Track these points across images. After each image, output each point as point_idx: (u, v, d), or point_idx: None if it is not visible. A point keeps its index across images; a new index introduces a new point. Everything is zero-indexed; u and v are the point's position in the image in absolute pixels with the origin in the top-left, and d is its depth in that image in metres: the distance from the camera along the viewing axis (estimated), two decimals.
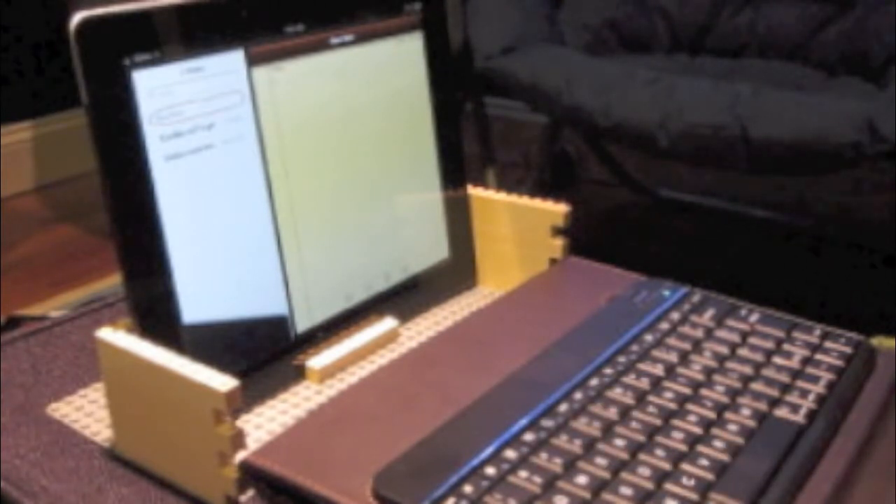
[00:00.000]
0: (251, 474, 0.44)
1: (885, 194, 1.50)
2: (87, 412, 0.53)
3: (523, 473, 0.41)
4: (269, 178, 0.53)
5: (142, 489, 0.46)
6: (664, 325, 0.54)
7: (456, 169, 0.65)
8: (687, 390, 0.47)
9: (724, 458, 0.42)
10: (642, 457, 0.42)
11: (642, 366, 0.50)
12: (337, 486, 0.41)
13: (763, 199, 1.67)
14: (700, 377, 0.48)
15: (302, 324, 0.56)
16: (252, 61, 0.52)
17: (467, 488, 0.40)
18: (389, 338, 0.59)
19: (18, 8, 1.92)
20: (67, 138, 1.98)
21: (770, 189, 1.68)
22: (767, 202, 1.67)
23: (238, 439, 0.43)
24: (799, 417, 0.45)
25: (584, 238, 0.67)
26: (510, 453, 0.42)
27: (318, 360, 0.55)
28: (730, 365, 0.49)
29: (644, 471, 0.41)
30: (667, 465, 0.42)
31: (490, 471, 0.41)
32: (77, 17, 0.44)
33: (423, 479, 0.41)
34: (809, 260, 1.51)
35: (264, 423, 0.51)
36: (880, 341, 0.54)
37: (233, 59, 0.51)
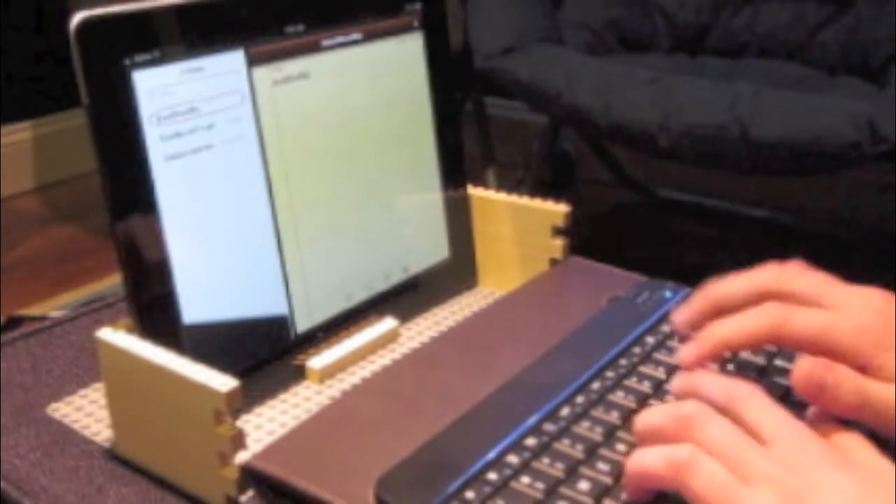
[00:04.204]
0: (252, 477, 0.44)
1: (885, 194, 1.50)
2: (87, 412, 0.53)
3: (525, 479, 0.41)
4: (269, 178, 0.53)
5: (142, 489, 0.46)
6: (665, 327, 0.54)
7: (456, 169, 0.65)
8: None
9: None
10: None
11: (644, 369, 0.49)
12: (339, 490, 0.41)
13: (763, 199, 1.67)
14: None
15: (302, 324, 0.56)
16: (252, 61, 0.52)
17: (469, 494, 0.40)
18: (389, 338, 0.59)
19: (18, 8, 1.92)
20: (67, 138, 1.98)
21: (770, 189, 1.68)
22: (767, 202, 1.67)
23: (238, 439, 0.43)
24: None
25: (584, 238, 0.67)
26: (512, 458, 0.42)
27: (318, 360, 0.55)
28: (731, 367, 0.49)
29: None
30: None
31: (492, 476, 0.41)
32: (77, 17, 0.44)
33: (424, 484, 0.40)
34: (809, 260, 1.50)
35: (264, 423, 0.51)
36: None
37: (233, 59, 0.51)
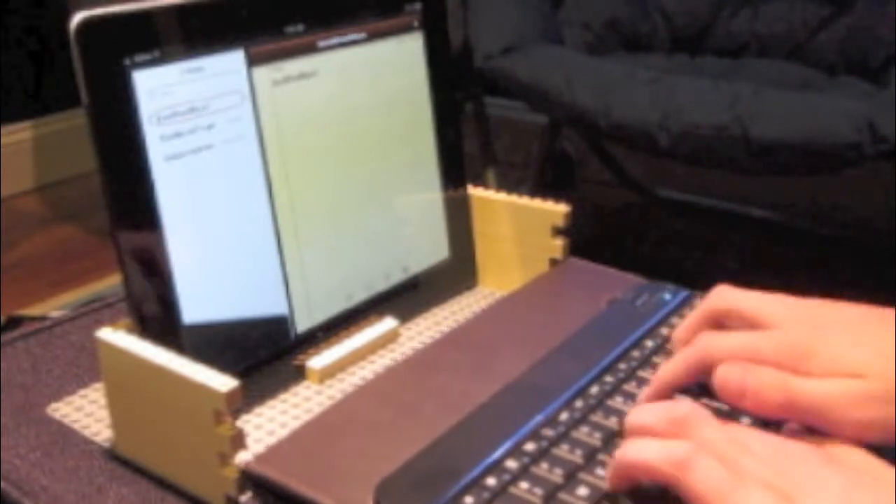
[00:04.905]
0: (252, 480, 0.44)
1: (885, 194, 1.50)
2: (87, 412, 0.53)
3: (524, 485, 0.41)
4: (269, 178, 0.53)
5: (142, 489, 0.46)
6: (665, 330, 0.54)
7: (456, 169, 0.65)
8: None
9: None
10: None
11: (643, 373, 0.49)
12: (338, 495, 0.41)
13: (763, 199, 1.67)
14: None
15: (302, 324, 0.56)
16: (252, 61, 0.52)
17: (468, 499, 0.40)
18: (389, 338, 0.59)
19: (18, 8, 1.92)
20: (67, 138, 1.98)
21: (770, 189, 1.68)
22: (767, 202, 1.67)
23: (238, 439, 0.43)
24: None
25: (584, 238, 0.67)
26: (511, 463, 0.42)
27: (318, 360, 0.55)
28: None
29: None
30: None
31: (491, 481, 0.41)
32: (77, 17, 0.44)
33: (424, 489, 0.40)
34: (809, 260, 1.50)
35: (264, 423, 0.51)
36: None
37: (233, 59, 0.51)
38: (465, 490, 0.40)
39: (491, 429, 0.44)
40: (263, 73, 0.52)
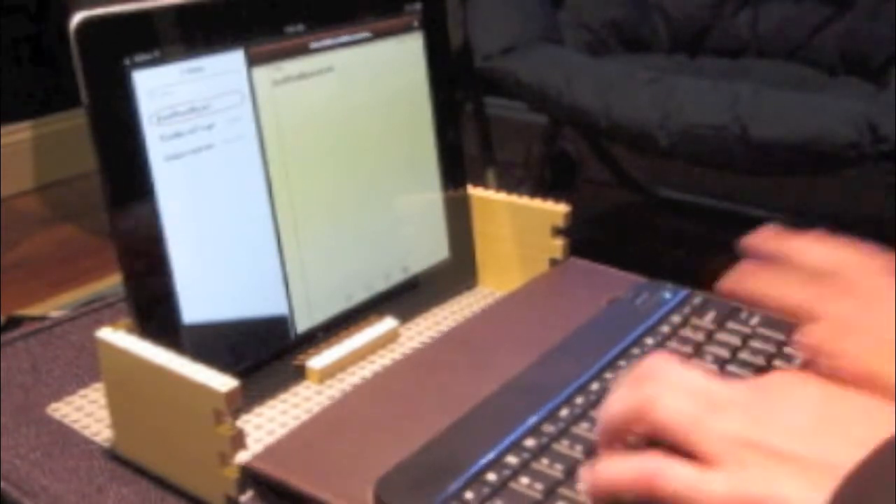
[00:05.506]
0: (252, 478, 0.44)
1: (885, 194, 1.50)
2: (87, 412, 0.53)
3: (525, 480, 0.41)
4: (269, 178, 0.53)
5: (142, 489, 0.46)
6: (665, 328, 0.54)
7: (456, 169, 0.65)
8: None
9: None
10: None
11: None
12: (338, 491, 0.41)
13: (763, 199, 1.67)
14: None
15: (302, 324, 0.56)
16: (252, 61, 0.52)
17: (468, 495, 0.40)
18: (389, 338, 0.59)
19: (18, 8, 1.92)
20: (67, 138, 1.98)
21: (770, 189, 1.68)
22: (767, 202, 1.67)
23: (238, 439, 0.43)
24: None
25: (584, 238, 0.67)
26: (511, 459, 0.42)
27: (318, 360, 0.55)
28: (731, 368, 0.49)
29: None
30: None
31: (491, 477, 0.41)
32: (77, 17, 0.44)
33: (424, 485, 0.40)
34: None
35: (264, 423, 0.51)
36: None
37: (233, 59, 0.51)
38: (466, 486, 0.40)
39: (491, 425, 0.44)
40: (263, 73, 0.52)
